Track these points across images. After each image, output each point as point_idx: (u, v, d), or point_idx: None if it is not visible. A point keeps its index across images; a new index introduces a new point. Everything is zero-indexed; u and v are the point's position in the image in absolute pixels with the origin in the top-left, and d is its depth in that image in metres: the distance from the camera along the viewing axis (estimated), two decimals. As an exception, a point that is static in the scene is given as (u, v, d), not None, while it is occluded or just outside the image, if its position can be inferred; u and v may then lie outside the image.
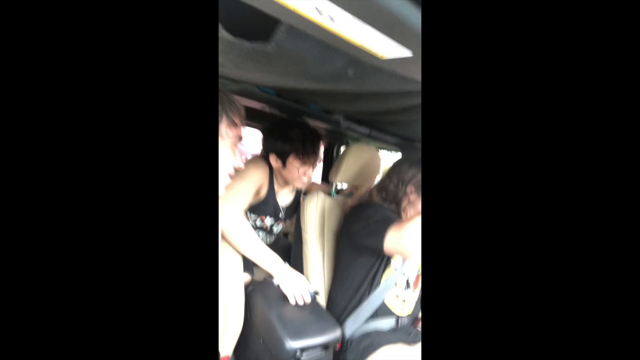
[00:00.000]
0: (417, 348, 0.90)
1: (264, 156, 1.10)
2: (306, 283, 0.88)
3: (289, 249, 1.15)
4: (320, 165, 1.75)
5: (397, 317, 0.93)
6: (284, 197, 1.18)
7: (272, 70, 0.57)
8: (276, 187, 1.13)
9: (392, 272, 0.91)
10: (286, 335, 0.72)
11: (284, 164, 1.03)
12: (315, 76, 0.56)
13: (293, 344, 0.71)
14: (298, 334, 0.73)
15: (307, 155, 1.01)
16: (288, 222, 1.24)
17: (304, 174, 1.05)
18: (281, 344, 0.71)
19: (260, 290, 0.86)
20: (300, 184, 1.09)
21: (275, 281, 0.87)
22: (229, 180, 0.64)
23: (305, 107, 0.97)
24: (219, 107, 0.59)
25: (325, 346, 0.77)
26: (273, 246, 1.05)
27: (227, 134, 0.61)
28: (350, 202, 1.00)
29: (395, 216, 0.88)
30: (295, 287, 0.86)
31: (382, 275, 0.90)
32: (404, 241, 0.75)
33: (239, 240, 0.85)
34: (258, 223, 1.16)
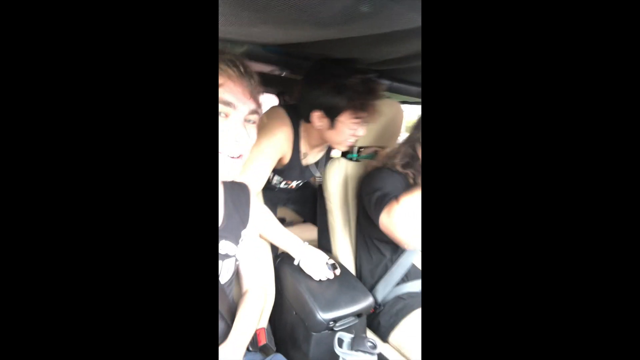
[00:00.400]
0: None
1: (287, 108, 0.88)
2: (323, 258, 0.81)
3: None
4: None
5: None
6: (312, 157, 0.99)
7: (273, 19, 0.48)
8: (303, 150, 0.92)
9: None
10: (317, 308, 0.71)
11: (332, 123, 0.81)
12: (321, 20, 0.47)
13: (325, 316, 0.70)
14: (329, 306, 0.71)
15: (365, 109, 0.79)
16: (318, 176, 1.08)
17: (354, 133, 0.82)
18: (313, 316, 0.70)
19: (288, 262, 0.84)
20: (346, 146, 0.88)
21: (296, 261, 0.82)
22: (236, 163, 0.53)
23: (293, 58, 0.86)
24: (220, 69, 0.49)
25: (358, 314, 0.76)
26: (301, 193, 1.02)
27: (231, 105, 0.49)
28: (371, 165, 0.92)
29: (404, 187, 0.80)
30: (315, 266, 0.79)
31: None
32: (393, 225, 0.72)
33: (254, 222, 0.74)
34: (283, 185, 1.06)
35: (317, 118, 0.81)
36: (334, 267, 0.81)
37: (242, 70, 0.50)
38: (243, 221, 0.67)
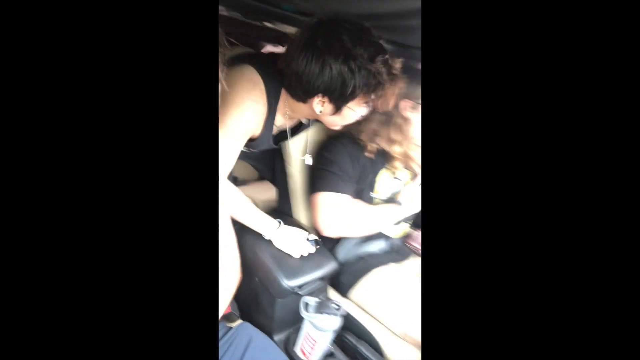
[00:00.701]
0: (407, 264, 0.95)
1: (260, 69, 0.67)
2: (303, 234, 0.79)
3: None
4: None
5: (389, 239, 0.95)
6: (286, 125, 0.84)
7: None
8: (278, 124, 0.76)
9: (378, 195, 0.89)
10: (282, 276, 0.71)
11: (338, 109, 0.65)
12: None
13: (290, 283, 0.71)
14: (294, 273, 0.72)
15: (381, 95, 0.64)
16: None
17: (361, 116, 0.69)
18: (278, 284, 0.71)
19: (248, 230, 0.81)
20: (342, 127, 0.74)
21: (266, 237, 0.78)
22: None
23: (276, 8, 0.74)
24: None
25: (321, 278, 0.79)
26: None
27: None
28: (333, 131, 0.88)
29: (359, 164, 0.84)
30: (292, 243, 0.77)
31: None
32: (315, 212, 0.81)
33: (223, 203, 0.66)
34: (244, 150, 0.94)
35: (319, 103, 0.65)
36: (316, 242, 0.80)
37: None
38: None
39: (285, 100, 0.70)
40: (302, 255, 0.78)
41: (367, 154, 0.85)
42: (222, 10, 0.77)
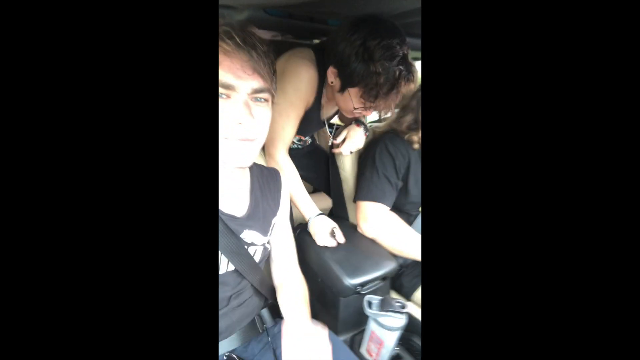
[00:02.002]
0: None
1: (314, 48, 0.77)
2: (329, 223, 0.83)
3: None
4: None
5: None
6: (326, 112, 0.90)
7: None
8: (323, 101, 0.84)
9: None
10: (344, 275, 0.72)
11: (341, 89, 0.73)
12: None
13: (352, 281, 0.72)
14: (355, 272, 0.73)
15: (382, 100, 0.71)
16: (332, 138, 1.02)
17: (361, 113, 0.77)
18: (340, 282, 0.72)
19: (307, 232, 0.85)
20: (352, 115, 0.82)
21: (306, 219, 0.84)
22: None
23: (324, 25, 0.81)
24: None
25: (383, 278, 0.78)
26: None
27: (229, 86, 0.43)
28: (378, 130, 0.91)
29: (405, 157, 0.85)
30: (319, 231, 0.81)
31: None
32: (360, 221, 0.85)
33: (286, 209, 0.72)
34: (297, 142, 1.01)
35: (332, 74, 0.73)
36: (332, 234, 0.81)
37: (239, 42, 0.43)
38: (273, 209, 0.63)
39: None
40: (360, 254, 0.79)
41: (415, 146, 0.85)
42: (277, 36, 0.86)
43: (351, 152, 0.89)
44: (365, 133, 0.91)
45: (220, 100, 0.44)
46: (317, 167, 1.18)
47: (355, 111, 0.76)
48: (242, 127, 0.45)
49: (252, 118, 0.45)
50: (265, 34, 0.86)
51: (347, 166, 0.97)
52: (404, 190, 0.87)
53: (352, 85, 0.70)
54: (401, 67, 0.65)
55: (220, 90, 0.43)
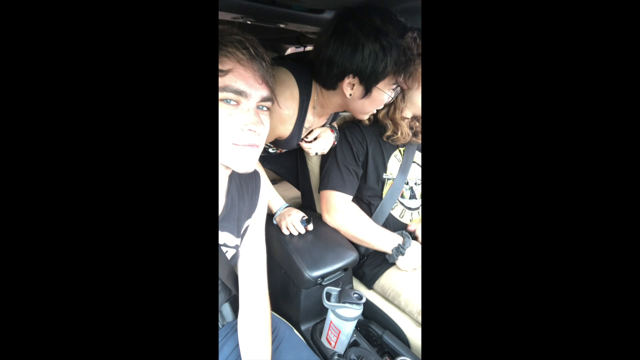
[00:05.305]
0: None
1: (294, 70, 0.71)
2: (298, 214, 0.85)
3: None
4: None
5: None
6: (319, 124, 0.85)
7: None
8: (307, 125, 0.79)
9: (392, 184, 0.89)
10: (305, 267, 0.73)
11: (368, 91, 0.66)
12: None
13: (313, 274, 0.73)
14: (316, 264, 0.74)
15: (411, 74, 0.68)
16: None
17: (389, 100, 0.71)
18: (301, 275, 0.73)
19: (272, 223, 0.86)
20: (369, 115, 0.78)
21: (274, 220, 0.87)
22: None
23: (287, 9, 0.77)
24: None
25: (344, 268, 0.80)
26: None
27: (242, 94, 0.44)
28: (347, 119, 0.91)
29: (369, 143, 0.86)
30: (287, 221, 0.83)
31: (382, 189, 0.90)
32: (323, 211, 0.88)
33: (262, 212, 0.70)
34: (272, 151, 0.97)
35: (348, 85, 0.66)
36: (307, 221, 0.84)
37: (252, 52, 0.44)
38: (249, 210, 0.61)
39: (315, 95, 0.74)
40: (322, 246, 0.80)
41: (384, 138, 0.86)
42: (238, 18, 0.81)
43: (316, 154, 0.88)
44: (334, 141, 0.89)
45: (228, 107, 0.44)
46: (286, 159, 1.17)
47: (383, 103, 0.71)
48: (253, 133, 0.46)
49: (262, 125, 0.47)
50: (226, 16, 0.80)
51: (313, 157, 0.97)
52: (363, 177, 0.89)
53: (383, 77, 0.64)
54: (411, 34, 0.64)
55: (230, 96, 0.44)
